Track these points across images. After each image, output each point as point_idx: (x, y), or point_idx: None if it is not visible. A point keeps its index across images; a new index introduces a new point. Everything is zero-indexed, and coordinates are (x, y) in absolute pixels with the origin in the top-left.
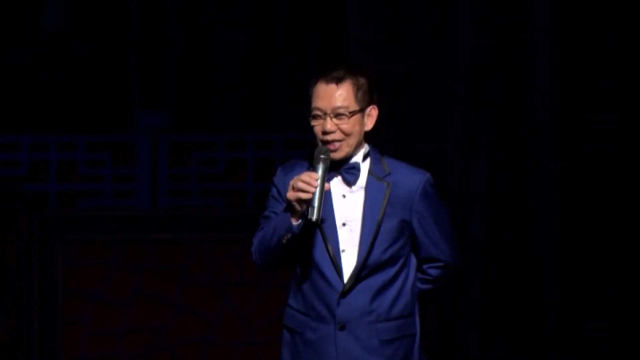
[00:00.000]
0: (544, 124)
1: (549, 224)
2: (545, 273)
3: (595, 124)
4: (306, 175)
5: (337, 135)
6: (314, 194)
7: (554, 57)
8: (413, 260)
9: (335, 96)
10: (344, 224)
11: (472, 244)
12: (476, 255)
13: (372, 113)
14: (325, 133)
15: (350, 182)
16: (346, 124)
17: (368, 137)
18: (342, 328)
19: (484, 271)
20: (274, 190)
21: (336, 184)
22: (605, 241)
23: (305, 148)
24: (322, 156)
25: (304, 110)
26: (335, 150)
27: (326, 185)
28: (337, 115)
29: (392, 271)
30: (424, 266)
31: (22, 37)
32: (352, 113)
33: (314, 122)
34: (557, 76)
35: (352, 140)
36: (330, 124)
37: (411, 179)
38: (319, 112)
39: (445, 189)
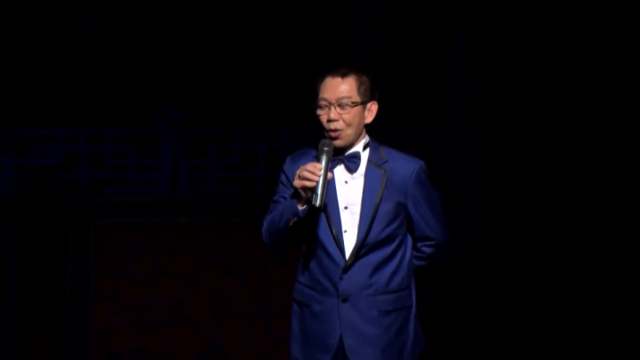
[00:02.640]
0: (534, 127)
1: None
2: (534, 250)
3: (581, 124)
4: (311, 166)
5: (340, 124)
6: (317, 182)
7: (542, 62)
8: (409, 240)
9: (340, 88)
10: (345, 207)
11: (470, 221)
12: (473, 233)
13: (372, 108)
14: (329, 121)
15: (351, 169)
16: (348, 114)
17: (368, 129)
18: (345, 300)
19: (480, 248)
20: (283, 177)
21: (339, 171)
22: (593, 229)
23: (311, 140)
24: (325, 148)
25: (310, 106)
26: (337, 138)
27: (329, 174)
28: (341, 106)
29: (389, 249)
30: (418, 244)
31: (56, 37)
32: (354, 104)
33: (319, 112)
34: (544, 81)
35: (353, 130)
36: (334, 112)
37: (406, 166)
38: (324, 102)
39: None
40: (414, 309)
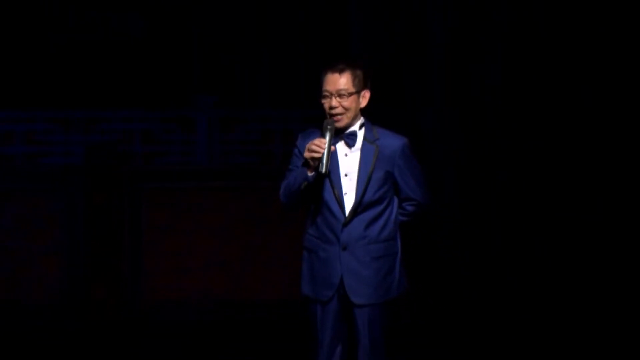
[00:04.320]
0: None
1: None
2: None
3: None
4: (318, 140)
5: (339, 110)
6: (323, 154)
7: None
8: (395, 200)
9: (339, 82)
10: (345, 175)
11: (447, 186)
12: (450, 197)
13: (366, 95)
14: (331, 108)
15: (350, 144)
16: (346, 102)
17: (363, 112)
18: (345, 248)
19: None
20: (296, 151)
21: (340, 146)
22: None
23: (317, 121)
24: (328, 127)
25: (317, 93)
26: (338, 121)
27: (332, 147)
28: (340, 95)
29: (380, 208)
30: (403, 204)
31: (116, 37)
32: (350, 94)
33: (323, 101)
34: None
35: (350, 114)
36: (334, 101)
37: (394, 142)
38: (327, 93)
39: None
40: (399, 256)
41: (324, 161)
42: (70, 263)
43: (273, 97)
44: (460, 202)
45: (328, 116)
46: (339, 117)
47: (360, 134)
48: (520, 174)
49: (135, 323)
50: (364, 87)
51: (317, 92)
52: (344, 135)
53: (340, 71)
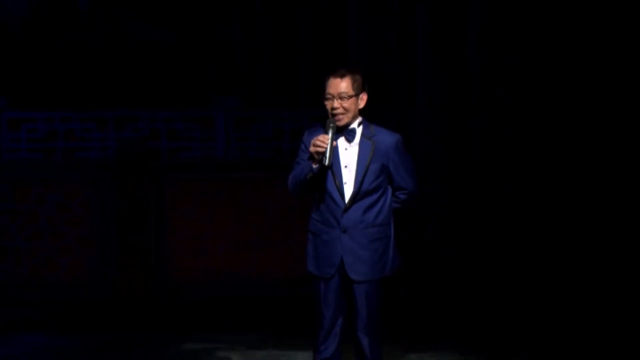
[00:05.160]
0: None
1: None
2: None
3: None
4: (321, 137)
5: (340, 110)
6: (326, 148)
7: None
8: (389, 190)
9: (340, 86)
10: (345, 166)
11: (433, 177)
12: (437, 186)
13: (363, 97)
14: (333, 109)
15: (349, 140)
16: (346, 103)
17: (361, 112)
18: (345, 232)
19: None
20: (302, 146)
21: (341, 142)
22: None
23: (321, 120)
24: (331, 125)
25: (321, 95)
26: (339, 120)
27: (334, 143)
28: (341, 98)
29: (375, 196)
30: (396, 193)
31: (144, 47)
32: (350, 96)
33: (326, 102)
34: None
35: (350, 114)
36: (336, 103)
37: (388, 138)
38: (329, 96)
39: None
40: (392, 239)
41: (327, 155)
42: (104, 245)
43: (282, 99)
44: (442, 193)
45: (330, 116)
46: (340, 116)
47: (359, 131)
48: (495, 163)
49: (160, 297)
50: (362, 91)
51: (321, 94)
52: (344, 132)
53: (342, 76)
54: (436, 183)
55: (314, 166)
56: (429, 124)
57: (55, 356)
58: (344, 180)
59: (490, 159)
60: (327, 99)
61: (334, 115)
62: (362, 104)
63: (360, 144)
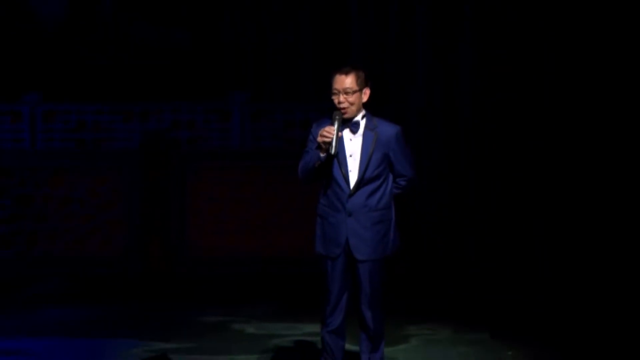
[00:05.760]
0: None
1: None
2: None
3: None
4: (328, 128)
5: (346, 104)
6: (332, 139)
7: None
8: (390, 177)
9: (345, 81)
10: (350, 155)
11: (429, 164)
12: (432, 173)
13: (367, 92)
14: (339, 102)
15: (354, 131)
16: (351, 97)
17: (365, 106)
18: (350, 215)
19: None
20: (311, 136)
21: (346, 133)
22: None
23: (328, 112)
24: (337, 117)
25: (328, 90)
26: (344, 113)
27: (339, 134)
28: (346, 93)
29: (378, 182)
30: (397, 179)
31: (165, 49)
32: (354, 92)
33: (333, 97)
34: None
35: (355, 108)
36: (342, 97)
37: (389, 130)
38: (335, 91)
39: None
40: (393, 222)
41: (333, 144)
42: (130, 226)
43: (292, 94)
44: (442, 193)
45: (337, 109)
46: (345, 109)
47: (362, 123)
48: (495, 163)
49: (181, 274)
50: (365, 86)
51: (328, 89)
52: (349, 124)
53: (347, 73)
54: (436, 183)
55: (322, 155)
56: (428, 124)
57: (87, 324)
58: (349, 168)
59: (490, 159)
60: (333, 94)
61: (339, 108)
62: (365, 98)
63: (364, 135)
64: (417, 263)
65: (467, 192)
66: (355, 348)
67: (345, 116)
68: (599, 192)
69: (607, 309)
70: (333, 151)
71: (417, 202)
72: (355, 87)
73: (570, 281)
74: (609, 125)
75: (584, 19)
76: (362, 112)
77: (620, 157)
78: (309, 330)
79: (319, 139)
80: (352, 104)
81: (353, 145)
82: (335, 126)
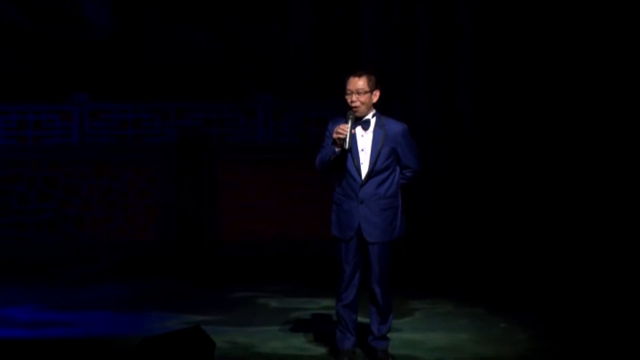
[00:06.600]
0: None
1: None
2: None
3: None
4: (342, 125)
5: (358, 103)
6: (346, 135)
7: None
8: (398, 169)
9: (358, 83)
10: (362, 150)
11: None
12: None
13: (377, 93)
14: (352, 102)
15: (365, 128)
16: (363, 98)
17: (375, 106)
18: (361, 202)
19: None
20: (327, 133)
21: (358, 130)
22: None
23: (342, 111)
24: (350, 115)
25: (343, 91)
26: (357, 112)
27: (352, 130)
28: (358, 93)
29: (386, 173)
30: (403, 171)
31: (197, 56)
32: (366, 92)
33: (347, 97)
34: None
35: (366, 107)
36: (355, 97)
37: (397, 127)
38: (349, 91)
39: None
40: (400, 209)
41: (347, 140)
42: (166, 213)
43: (310, 93)
44: (438, 180)
45: (350, 108)
46: (357, 108)
47: (373, 121)
48: (494, 163)
49: (212, 255)
50: (375, 88)
51: (342, 90)
52: (361, 122)
53: (359, 75)
54: (436, 183)
55: (337, 149)
56: (429, 124)
57: (128, 300)
58: (361, 161)
59: (490, 159)
60: (347, 94)
61: (352, 107)
62: (375, 99)
63: (374, 131)
64: (418, 262)
65: (467, 192)
66: (366, 320)
67: (358, 115)
68: (599, 192)
69: (605, 306)
70: (347, 146)
71: (417, 202)
72: (367, 89)
73: (570, 281)
74: (608, 125)
75: (583, 19)
76: (373, 112)
77: (620, 157)
78: (326, 305)
79: (334, 135)
80: (363, 103)
81: (364, 140)
82: (349, 124)
